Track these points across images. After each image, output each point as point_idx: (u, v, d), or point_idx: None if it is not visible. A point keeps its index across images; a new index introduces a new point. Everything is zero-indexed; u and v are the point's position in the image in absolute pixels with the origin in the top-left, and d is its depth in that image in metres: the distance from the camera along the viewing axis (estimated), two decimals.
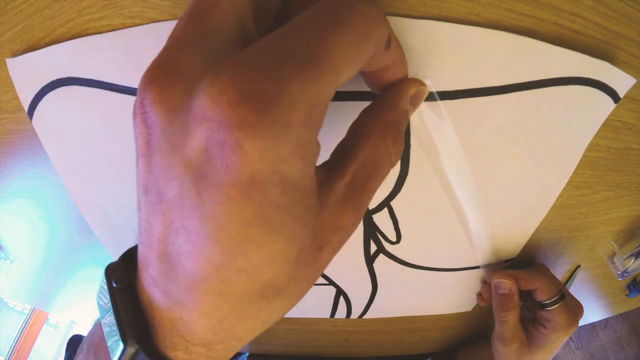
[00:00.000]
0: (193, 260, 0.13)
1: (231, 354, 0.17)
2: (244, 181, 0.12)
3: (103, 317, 0.16)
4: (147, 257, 0.15)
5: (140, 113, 0.13)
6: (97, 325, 0.18)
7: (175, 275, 0.14)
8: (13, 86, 0.25)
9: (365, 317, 0.41)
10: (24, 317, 2.17)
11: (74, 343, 0.37)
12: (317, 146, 0.14)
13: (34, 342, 2.20)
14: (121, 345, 0.15)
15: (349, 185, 0.15)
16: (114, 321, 0.15)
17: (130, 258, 0.17)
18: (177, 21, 0.19)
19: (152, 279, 0.15)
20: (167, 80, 0.13)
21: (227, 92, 0.11)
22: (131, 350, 0.15)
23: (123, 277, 0.16)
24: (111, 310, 0.15)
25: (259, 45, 0.12)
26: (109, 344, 0.16)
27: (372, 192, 0.16)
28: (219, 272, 0.13)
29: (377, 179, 0.16)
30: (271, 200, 0.12)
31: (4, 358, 1.99)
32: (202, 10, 0.14)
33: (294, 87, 0.12)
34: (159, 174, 0.13)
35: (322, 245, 0.15)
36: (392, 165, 0.17)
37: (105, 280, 0.16)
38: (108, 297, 0.16)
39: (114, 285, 0.16)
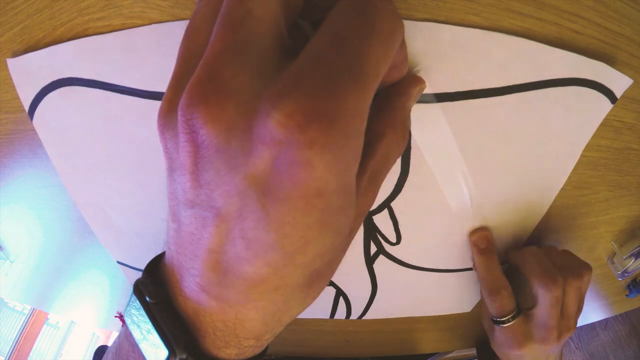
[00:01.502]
0: (252, 266, 0.14)
1: (272, 338, 0.18)
2: (311, 193, 0.13)
3: (137, 332, 0.17)
4: (191, 268, 0.15)
5: (187, 132, 0.13)
6: (122, 338, 0.19)
7: (230, 281, 0.15)
8: (13, 86, 0.25)
9: (365, 317, 0.41)
10: (24, 317, 2.17)
11: (100, 354, 0.37)
12: (362, 148, 0.15)
13: (34, 342, 2.20)
14: (165, 355, 0.16)
15: (369, 178, 0.17)
16: (156, 334, 0.16)
17: (152, 271, 0.18)
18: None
19: (198, 288, 0.15)
20: (217, 99, 0.13)
21: (294, 116, 0.12)
22: (177, 358, 0.16)
23: (156, 291, 0.17)
24: (150, 325, 0.16)
25: (309, 61, 0.13)
26: (148, 357, 0.17)
27: (383, 179, 0.18)
28: (279, 272, 0.14)
29: (389, 169, 0.18)
30: (332, 204, 0.14)
31: (4, 358, 1.99)
32: (236, 21, 0.13)
33: (351, 103, 0.13)
34: (214, 191, 0.14)
35: (351, 231, 0.17)
36: (400, 155, 0.19)
37: (136, 297, 0.17)
38: (143, 312, 0.16)
39: (148, 300, 0.16)
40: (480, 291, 0.33)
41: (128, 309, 0.17)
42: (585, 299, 0.35)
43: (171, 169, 0.15)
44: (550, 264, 0.30)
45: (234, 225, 0.14)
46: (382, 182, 0.18)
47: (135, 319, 0.17)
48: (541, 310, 0.30)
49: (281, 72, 0.13)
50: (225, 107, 0.13)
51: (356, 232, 0.18)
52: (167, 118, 0.15)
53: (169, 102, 0.15)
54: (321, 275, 0.16)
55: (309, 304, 0.18)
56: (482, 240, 0.32)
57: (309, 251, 0.14)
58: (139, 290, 0.17)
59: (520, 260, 0.31)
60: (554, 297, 0.29)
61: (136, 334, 0.17)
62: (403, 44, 0.17)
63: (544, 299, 0.29)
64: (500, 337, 0.33)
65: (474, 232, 0.32)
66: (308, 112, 0.12)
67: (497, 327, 0.32)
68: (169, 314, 0.16)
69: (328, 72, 0.13)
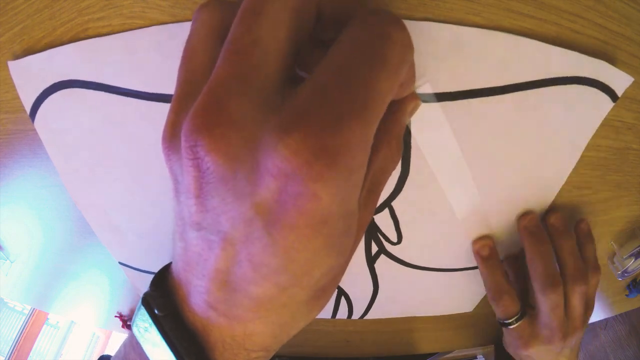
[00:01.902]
0: (260, 287, 0.14)
1: (279, 347, 0.19)
2: (316, 222, 0.13)
3: (146, 344, 0.17)
4: (199, 285, 0.16)
5: (191, 158, 0.13)
6: (128, 348, 0.19)
7: (239, 300, 0.15)
8: (13, 86, 0.25)
9: (366, 317, 0.41)
10: (24, 317, 2.17)
11: None
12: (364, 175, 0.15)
13: (34, 342, 2.20)
14: None
15: (367, 192, 0.17)
16: (166, 347, 0.16)
17: (160, 283, 0.18)
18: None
19: (206, 304, 0.16)
20: (221, 130, 0.13)
21: (301, 152, 0.12)
22: None
23: (165, 304, 0.17)
24: (159, 337, 0.16)
25: (315, 94, 0.13)
26: None
27: (381, 192, 0.19)
28: (286, 292, 0.15)
29: (385, 182, 0.19)
30: (336, 229, 0.14)
31: (4, 358, 1.99)
32: (242, 49, 0.13)
33: (357, 137, 0.13)
34: (220, 216, 0.14)
35: (353, 244, 0.17)
36: (395, 168, 0.19)
37: (145, 309, 0.17)
38: (152, 325, 0.16)
39: (157, 313, 0.17)
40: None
41: (136, 321, 0.17)
42: None
43: (177, 191, 0.15)
44: (554, 267, 0.30)
45: (241, 249, 0.14)
46: (379, 194, 0.19)
47: (143, 331, 0.17)
48: (542, 313, 0.31)
49: (287, 102, 0.13)
50: (230, 138, 0.13)
51: (358, 244, 0.18)
52: (172, 141, 0.15)
53: (173, 125, 0.15)
54: (326, 290, 0.17)
55: (315, 316, 0.18)
56: (484, 249, 0.32)
57: (315, 272, 0.15)
58: (147, 303, 0.17)
59: (529, 258, 0.31)
60: (553, 302, 0.30)
61: (145, 346, 0.17)
62: (412, 64, 0.17)
63: (543, 304, 0.30)
64: (508, 338, 0.34)
65: (476, 240, 0.32)
66: (314, 148, 0.12)
67: (504, 329, 0.33)
68: (178, 327, 0.16)
69: (334, 107, 0.13)
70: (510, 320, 0.32)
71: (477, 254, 0.32)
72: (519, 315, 0.32)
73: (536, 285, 0.30)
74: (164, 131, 0.16)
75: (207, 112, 0.13)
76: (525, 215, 0.30)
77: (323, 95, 0.13)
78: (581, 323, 0.32)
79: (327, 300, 0.18)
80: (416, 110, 0.21)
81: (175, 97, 0.16)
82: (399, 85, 0.17)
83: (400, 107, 0.19)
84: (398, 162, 0.19)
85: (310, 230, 0.13)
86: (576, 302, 0.31)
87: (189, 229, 0.15)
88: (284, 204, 0.13)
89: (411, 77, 0.18)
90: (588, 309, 0.32)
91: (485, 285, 0.33)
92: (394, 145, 0.18)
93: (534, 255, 0.30)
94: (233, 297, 0.15)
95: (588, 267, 0.31)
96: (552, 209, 0.31)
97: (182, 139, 0.13)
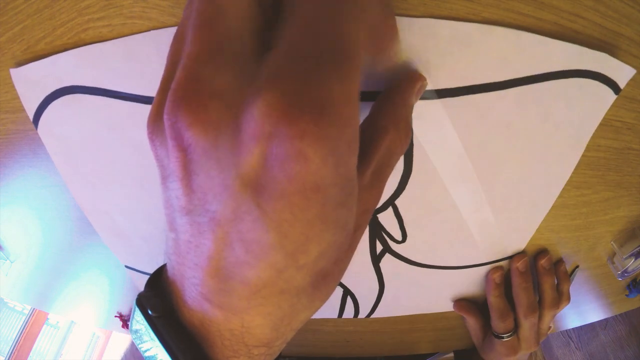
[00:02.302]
0: (254, 269, 0.14)
1: (284, 345, 0.18)
2: (308, 188, 0.12)
3: (144, 348, 0.16)
4: (192, 277, 0.15)
5: (173, 137, 0.13)
6: (129, 356, 0.19)
7: (232, 287, 0.14)
8: (13, 86, 0.25)
9: (373, 316, 0.41)
10: (24, 317, 2.17)
11: None
12: (359, 138, 0.14)
13: (34, 342, 2.20)
14: None
15: (373, 173, 0.17)
16: (162, 348, 0.15)
17: (155, 283, 0.17)
18: (176, 29, 0.18)
19: (201, 297, 0.15)
20: (198, 99, 0.12)
21: (282, 106, 0.11)
22: None
23: (159, 304, 0.16)
24: (155, 340, 0.16)
25: (287, 51, 0.13)
26: None
27: (388, 176, 0.18)
28: (282, 274, 0.14)
29: (393, 166, 0.18)
30: (332, 198, 0.13)
31: (4, 358, 1.99)
32: (207, 20, 0.13)
33: (337, 88, 0.12)
34: (207, 194, 0.13)
35: (356, 228, 0.16)
36: (403, 152, 0.19)
37: (140, 312, 0.16)
38: (147, 327, 0.16)
39: (151, 314, 0.16)
40: (491, 315, 0.39)
41: (132, 323, 0.17)
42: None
43: (163, 177, 0.15)
44: (535, 298, 0.37)
45: (231, 228, 0.13)
46: (387, 178, 0.18)
47: (139, 333, 0.16)
48: (524, 330, 0.38)
49: (263, 65, 0.13)
50: (208, 106, 0.12)
51: (363, 230, 0.17)
52: (155, 124, 0.15)
53: (157, 108, 0.15)
54: (327, 276, 0.16)
55: (319, 307, 0.17)
56: (499, 277, 0.37)
57: (312, 249, 0.14)
58: (141, 304, 0.16)
59: (516, 292, 0.37)
60: (531, 323, 0.37)
61: (142, 349, 0.16)
62: (391, 12, 0.16)
63: (525, 324, 0.38)
64: (500, 348, 0.40)
65: (493, 270, 0.37)
66: (296, 102, 0.11)
67: (498, 341, 0.39)
68: (173, 327, 0.16)
69: (307, 61, 0.12)
70: (508, 334, 0.39)
71: (492, 280, 0.37)
72: (512, 331, 0.39)
73: (520, 310, 0.37)
74: (149, 115, 0.15)
75: (183, 86, 0.13)
76: (517, 257, 0.36)
77: (295, 51, 0.12)
78: (546, 331, 0.41)
79: (331, 290, 0.17)
80: (423, 90, 0.20)
81: (161, 80, 0.15)
82: (377, 37, 0.17)
83: (407, 88, 0.19)
84: (406, 146, 0.18)
85: (301, 198, 0.12)
86: (547, 321, 0.39)
87: (177, 216, 0.14)
88: (270, 169, 0.12)
89: (389, 26, 0.17)
90: (551, 323, 0.41)
91: (493, 305, 0.38)
92: (402, 127, 0.18)
93: (520, 290, 0.36)
94: (227, 286, 0.14)
95: (562, 298, 0.39)
96: (542, 251, 0.37)
97: (164, 118, 0.13)
